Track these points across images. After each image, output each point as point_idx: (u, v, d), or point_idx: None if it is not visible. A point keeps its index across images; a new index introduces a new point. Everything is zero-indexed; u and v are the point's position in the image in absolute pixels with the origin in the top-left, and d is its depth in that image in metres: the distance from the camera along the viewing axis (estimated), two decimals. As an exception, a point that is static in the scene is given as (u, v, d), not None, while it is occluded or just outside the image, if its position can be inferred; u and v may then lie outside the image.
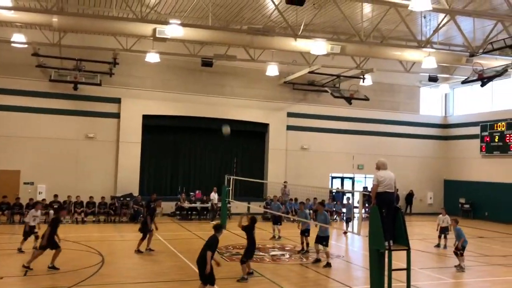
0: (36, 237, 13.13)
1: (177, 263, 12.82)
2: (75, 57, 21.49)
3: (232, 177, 20.85)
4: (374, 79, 25.39)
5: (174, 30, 16.07)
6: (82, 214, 20.58)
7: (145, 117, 24.21)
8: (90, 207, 21.18)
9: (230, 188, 20.58)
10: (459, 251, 13.02)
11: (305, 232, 14.82)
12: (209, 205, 22.95)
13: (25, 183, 22.03)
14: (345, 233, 19.38)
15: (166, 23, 16.31)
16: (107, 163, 23.42)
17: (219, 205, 22.03)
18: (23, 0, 17.37)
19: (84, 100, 23.14)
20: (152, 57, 21.02)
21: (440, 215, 16.89)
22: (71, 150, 22.84)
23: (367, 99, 24.59)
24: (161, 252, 14.40)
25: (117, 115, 23.82)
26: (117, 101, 23.81)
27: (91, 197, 21.36)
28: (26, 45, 20.38)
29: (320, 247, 13.13)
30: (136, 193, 23.04)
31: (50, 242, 11.48)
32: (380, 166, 9.55)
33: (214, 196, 22.77)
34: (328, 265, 12.75)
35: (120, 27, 16.53)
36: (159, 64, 22.69)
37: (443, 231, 16.51)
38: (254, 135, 27.05)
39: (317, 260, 13.27)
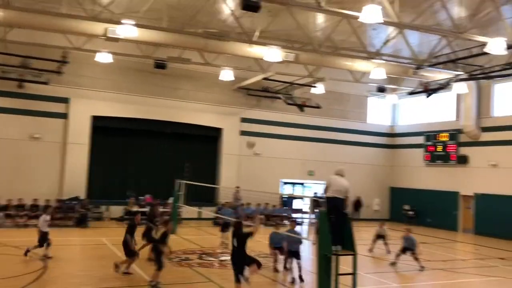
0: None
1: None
2: (21, 54, 20.59)
3: (183, 181, 20.62)
4: (326, 87, 25.95)
5: (127, 30, 15.76)
6: (24, 217, 19.66)
7: (95, 119, 23.53)
8: (34, 210, 20.28)
9: (182, 193, 20.33)
10: (414, 255, 14.27)
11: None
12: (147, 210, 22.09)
13: (-39, 185, 20.83)
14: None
15: (118, 23, 15.97)
16: (53, 165, 22.53)
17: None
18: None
19: (30, 99, 22.17)
20: (104, 57, 20.48)
21: (378, 227, 17.58)
22: (14, 151, 21.80)
23: (318, 107, 25.13)
24: (108, 257, 14.01)
25: (65, 116, 23.00)
26: (66, 101, 22.99)
27: (35, 200, 20.47)
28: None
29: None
30: (83, 196, 22.32)
31: None
32: (335, 172, 9.98)
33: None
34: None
35: (70, 25, 16.01)
36: (111, 65, 22.15)
37: (379, 238, 17.18)
38: (207, 140, 26.93)
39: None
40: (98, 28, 15.84)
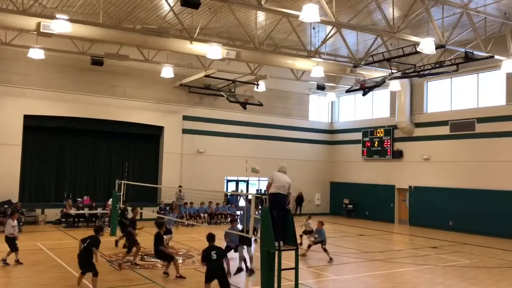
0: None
1: (62, 274, 12.00)
2: None
3: (123, 181, 20.07)
4: (268, 85, 26.25)
5: (61, 25, 15.04)
6: (-51, 224, 18.31)
7: (27, 118, 22.32)
8: (-41, 217, 18.96)
9: (121, 193, 19.76)
10: (323, 247, 14.92)
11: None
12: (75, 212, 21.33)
13: None
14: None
15: (52, 17, 15.25)
16: (-20, 167, 21.16)
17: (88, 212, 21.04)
18: None
19: (-47, 97, 20.71)
20: (36, 53, 19.48)
21: (305, 220, 17.75)
22: None
23: (260, 104, 25.31)
24: (44, 262, 13.38)
25: (-7, 115, 21.66)
26: (-6, 99, 21.65)
27: (-40, 205, 19.15)
28: None
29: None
30: (15, 199, 21.13)
31: None
32: (278, 169, 10.14)
33: None
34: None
35: (-2, 18, 15.08)
36: (44, 61, 21.12)
37: (306, 233, 17.41)
38: (147, 138, 26.38)
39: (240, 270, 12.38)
40: (30, 22, 15.09)
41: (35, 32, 15.79)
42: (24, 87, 22.24)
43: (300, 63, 20.59)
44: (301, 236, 17.63)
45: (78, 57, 21.95)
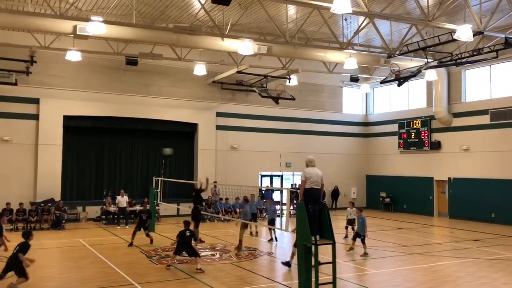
0: None
1: (103, 269, 12.36)
2: (-14, 55, 19.99)
3: (160, 178, 20.43)
4: (300, 79, 26.10)
5: (96, 27, 15.43)
6: (-3, 222, 19.14)
7: (67, 118, 23.03)
8: (6, 215, 19.76)
9: (159, 190, 20.14)
10: (361, 237, 14.54)
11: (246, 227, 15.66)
12: (115, 209, 21.65)
13: None
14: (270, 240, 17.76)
15: (87, 20, 15.65)
16: (25, 168, 22.00)
17: (130, 209, 21.44)
18: None
19: (-2, 100, 21.59)
20: (73, 56, 20.07)
21: (348, 208, 17.64)
22: (-17, 154, 21.21)
23: (293, 98, 25.21)
24: (86, 258, 13.81)
25: (35, 117, 22.43)
26: (35, 101, 22.43)
27: (8, 204, 19.95)
28: None
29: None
30: (58, 198, 21.89)
31: None
32: (307, 163, 9.94)
33: (120, 199, 21.43)
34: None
35: (37, 23, 15.58)
36: (81, 63, 21.73)
37: (350, 223, 17.24)
38: (182, 135, 26.73)
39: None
40: (66, 25, 15.51)
41: (72, 35, 16.23)
42: (63, 89, 22.94)
43: (333, 56, 20.33)
44: (346, 228, 17.52)
45: (113, 57, 22.47)
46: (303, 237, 9.33)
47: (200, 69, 23.06)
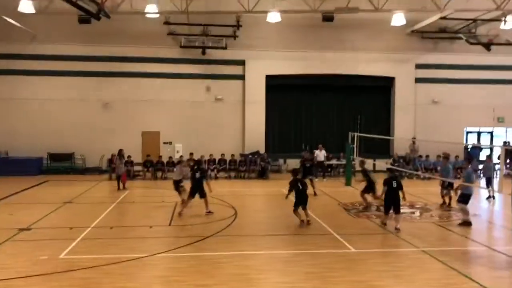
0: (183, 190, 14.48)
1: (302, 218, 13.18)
2: (201, 23, 22.55)
3: (356, 134, 20.45)
4: (519, 20, 22.43)
5: (294, -14, 15.84)
6: (215, 170, 22.12)
7: (268, 77, 24.70)
8: (221, 164, 22.62)
9: (355, 145, 20.23)
10: None
11: (448, 186, 14.44)
12: (315, 161, 22.27)
13: (164, 143, 24.25)
14: (488, 197, 16.95)
15: (286, -20, 16.15)
16: (235, 123, 24.63)
17: (327, 163, 21.93)
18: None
19: (211, 64, 24.36)
20: (273, 17, 21.10)
21: None
22: (202, 112, 24.41)
23: (510, 43, 21.97)
24: (288, 206, 14.92)
25: (242, 77, 24.69)
26: (242, 63, 24.61)
27: (222, 155, 22.76)
28: (158, 15, 21.86)
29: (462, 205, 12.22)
30: (262, 150, 23.97)
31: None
32: None
33: (318, 153, 22.23)
34: (466, 223, 12.07)
35: (242, -12, 16.79)
36: (280, 24, 22.69)
37: None
38: (378, 90, 26.05)
39: (465, 222, 12.15)
40: (267, -12, 16.27)
41: (272, -3, 17.00)
42: (264, 50, 24.50)
43: None
44: None
45: (310, 15, 22.74)
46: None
47: (398, 19, 21.76)
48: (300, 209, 12.23)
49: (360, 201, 15.22)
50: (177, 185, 14.65)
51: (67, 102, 23.71)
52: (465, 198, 12.15)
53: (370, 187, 14.50)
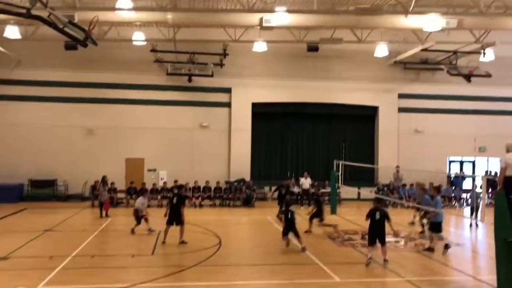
0: (146, 220, 14.57)
1: (290, 247, 13.07)
2: (188, 51, 22.78)
3: (341, 162, 20.60)
4: (497, 53, 23.10)
5: (280, 17, 16.24)
6: (199, 198, 21.93)
7: (254, 105, 24.90)
8: (206, 192, 22.46)
9: (339, 173, 20.34)
10: None
11: (426, 214, 14.33)
12: (299, 190, 22.61)
13: (148, 170, 24.07)
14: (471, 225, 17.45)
15: (272, 11, 16.53)
16: (220, 150, 24.63)
17: (312, 191, 21.94)
18: (141, 1, 18.79)
19: (198, 91, 24.51)
20: (260, 46, 21.48)
21: None
22: (187, 139, 24.40)
23: (489, 75, 22.60)
24: (273, 234, 14.80)
25: (228, 104, 24.85)
26: (228, 90, 24.81)
27: (207, 182, 22.63)
28: (145, 42, 22.07)
29: (433, 234, 12.52)
30: (248, 178, 23.92)
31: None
32: (509, 148, 8.90)
33: (303, 181, 22.40)
34: (446, 246, 12.22)
35: (228, 19, 17.13)
36: (266, 53, 23.08)
37: None
38: (363, 119, 26.41)
39: (430, 249, 12.50)
40: (253, 18, 16.65)
41: (258, 27, 17.34)
42: (251, 78, 24.80)
43: (540, 23, 17.50)
44: None
45: (295, 45, 23.24)
46: (502, 230, 8.40)
47: (381, 50, 22.35)
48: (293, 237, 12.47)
49: (345, 230, 15.19)
50: (138, 214, 14.57)
51: (51, 128, 23.50)
52: (436, 226, 12.41)
53: (318, 213, 15.04)
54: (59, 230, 15.18)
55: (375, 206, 11.40)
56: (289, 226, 12.53)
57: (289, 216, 12.57)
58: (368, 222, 11.25)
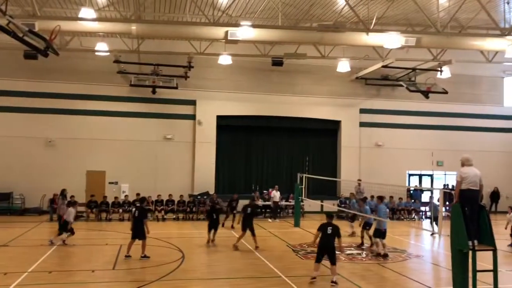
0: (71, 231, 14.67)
1: (253, 260, 13.06)
2: (152, 63, 22.59)
3: (304, 175, 20.84)
4: (453, 71, 24.19)
5: (245, 32, 16.38)
6: (162, 212, 21.60)
7: (219, 118, 24.89)
8: (169, 205, 22.15)
9: (303, 186, 20.56)
10: None
11: (365, 226, 15.31)
12: (270, 203, 22.90)
13: (110, 183, 23.54)
14: (432, 234, 18.16)
15: (237, 25, 16.68)
16: (184, 163, 24.40)
17: (282, 203, 22.22)
18: (105, 11, 18.58)
19: (162, 103, 24.28)
20: (225, 59, 21.59)
21: (508, 215, 15.80)
22: (151, 151, 24.07)
23: (445, 92, 23.52)
24: (240, 248, 14.75)
25: (192, 117, 24.72)
26: (193, 103, 24.70)
27: (170, 195, 22.33)
28: (108, 53, 21.75)
29: (377, 240, 13.67)
30: (212, 191, 23.77)
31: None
32: (464, 162, 9.17)
33: (275, 194, 22.70)
34: (383, 256, 13.34)
35: (193, 31, 17.13)
36: (231, 66, 23.22)
37: None
38: (325, 133, 26.86)
39: (385, 255, 13.44)
40: (219, 32, 16.71)
41: (224, 40, 17.44)
42: (216, 91, 24.82)
43: (492, 44, 18.40)
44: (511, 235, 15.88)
45: (260, 59, 23.54)
46: (458, 242, 8.69)
47: (343, 66, 22.90)
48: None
49: (307, 242, 15.33)
50: (67, 225, 14.60)
51: (7, 138, 22.68)
52: (380, 233, 13.58)
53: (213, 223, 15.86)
54: (15, 245, 14.59)
55: (327, 221, 11.17)
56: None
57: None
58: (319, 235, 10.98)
